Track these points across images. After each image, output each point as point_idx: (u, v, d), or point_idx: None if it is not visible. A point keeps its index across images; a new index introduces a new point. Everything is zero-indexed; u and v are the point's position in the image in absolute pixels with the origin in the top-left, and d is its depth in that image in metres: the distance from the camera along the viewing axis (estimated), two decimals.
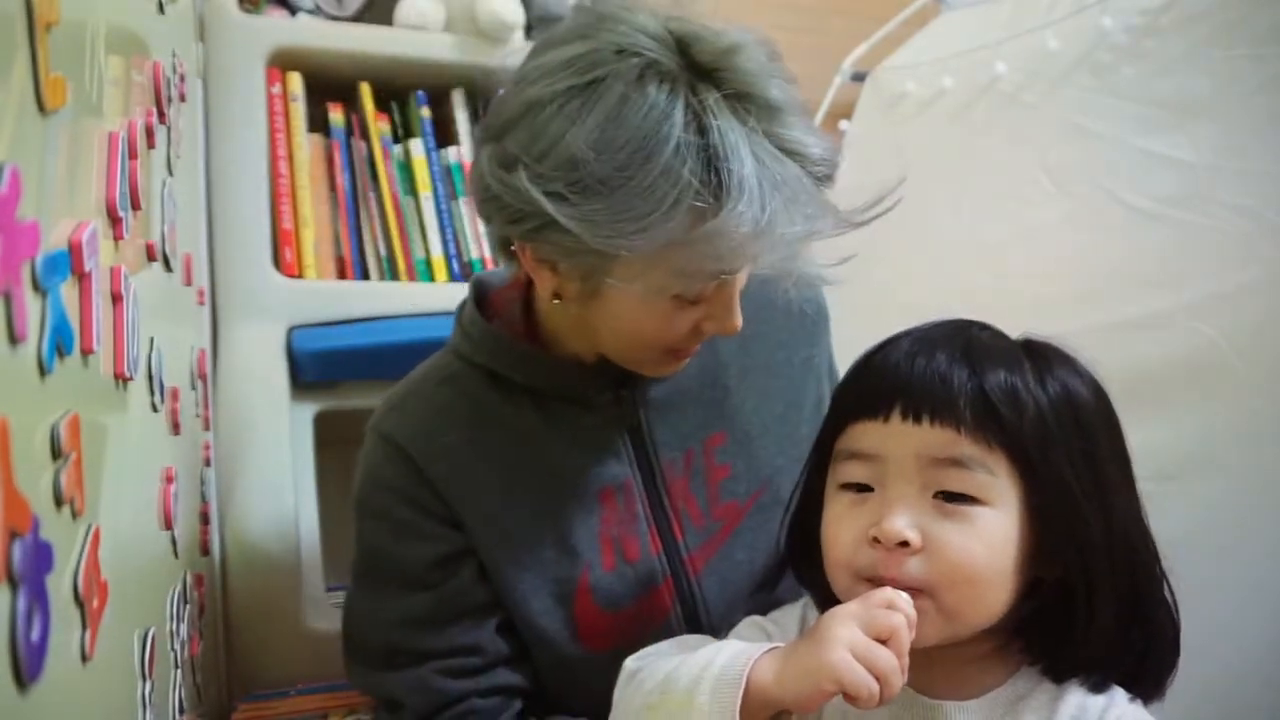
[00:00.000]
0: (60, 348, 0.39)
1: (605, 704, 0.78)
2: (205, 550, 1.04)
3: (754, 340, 0.90)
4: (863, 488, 0.67)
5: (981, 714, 0.66)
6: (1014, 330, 0.72)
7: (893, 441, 0.65)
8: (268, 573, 1.16)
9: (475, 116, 1.43)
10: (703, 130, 0.67)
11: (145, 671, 0.58)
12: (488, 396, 0.86)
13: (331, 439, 1.37)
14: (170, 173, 0.82)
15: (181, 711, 0.73)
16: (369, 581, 0.88)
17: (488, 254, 1.40)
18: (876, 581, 0.64)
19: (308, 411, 1.32)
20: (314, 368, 1.29)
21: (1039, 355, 0.68)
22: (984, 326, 0.71)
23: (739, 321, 0.77)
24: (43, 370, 0.37)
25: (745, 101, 0.69)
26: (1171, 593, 0.69)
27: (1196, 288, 1.18)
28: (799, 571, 0.78)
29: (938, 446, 0.64)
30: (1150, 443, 1.25)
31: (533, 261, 0.77)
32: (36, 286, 0.36)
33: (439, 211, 1.38)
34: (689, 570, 0.86)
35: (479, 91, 1.41)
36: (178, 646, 0.74)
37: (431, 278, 1.38)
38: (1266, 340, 1.10)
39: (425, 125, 1.39)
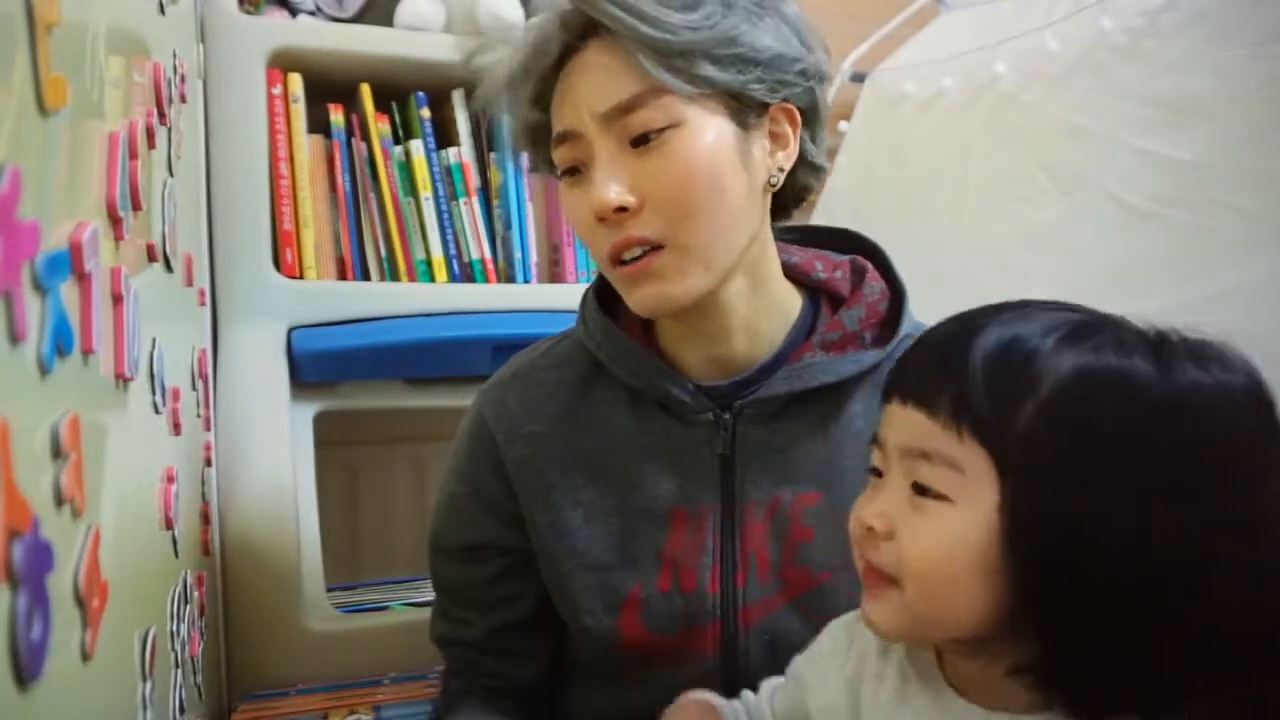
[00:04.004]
0: (61, 348, 0.39)
1: (623, 704, 0.83)
2: (206, 550, 1.04)
3: None
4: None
5: None
6: None
7: (887, 425, 0.62)
8: (268, 573, 1.16)
9: (475, 117, 1.43)
10: None
11: (146, 671, 0.58)
12: (590, 391, 0.85)
13: (331, 439, 1.37)
14: (171, 173, 0.82)
15: (182, 711, 0.73)
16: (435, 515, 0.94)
17: (487, 254, 1.40)
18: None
19: (308, 411, 1.32)
20: (314, 368, 1.29)
21: (1154, 348, 0.55)
22: (1097, 321, 0.59)
23: (602, 194, 0.73)
24: (43, 370, 0.37)
25: None
26: None
27: (1196, 288, 1.18)
28: None
29: (910, 435, 0.59)
30: None
31: None
32: (37, 286, 0.36)
33: (439, 212, 1.38)
34: (740, 620, 0.81)
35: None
36: (178, 646, 0.74)
37: (432, 278, 1.38)
38: (1266, 340, 1.10)
39: (425, 126, 1.39)
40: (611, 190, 0.73)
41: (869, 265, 0.86)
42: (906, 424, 0.59)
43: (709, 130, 0.74)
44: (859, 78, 1.96)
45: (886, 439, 0.61)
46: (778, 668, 0.77)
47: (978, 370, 0.56)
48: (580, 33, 0.76)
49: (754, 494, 0.81)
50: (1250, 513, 0.54)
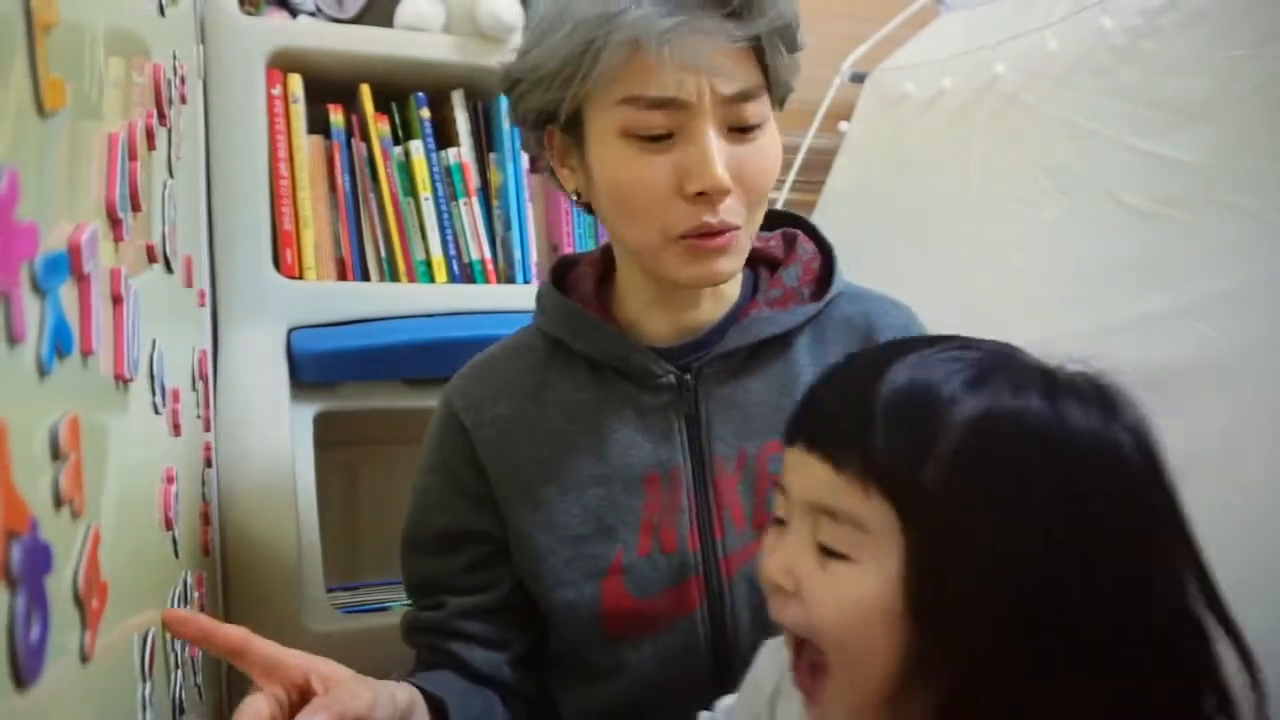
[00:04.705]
0: (59, 349, 0.39)
1: (606, 695, 0.84)
2: (206, 551, 1.04)
3: (829, 359, 0.88)
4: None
5: None
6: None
7: (791, 471, 0.60)
8: (268, 573, 1.16)
9: (475, 118, 1.43)
10: None
11: (145, 672, 0.58)
12: (550, 372, 0.89)
13: (331, 439, 1.37)
14: (171, 174, 0.82)
15: (182, 712, 0.73)
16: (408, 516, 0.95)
17: (487, 254, 1.40)
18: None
19: (308, 412, 1.32)
20: (314, 368, 1.29)
21: (1049, 387, 0.56)
22: (999, 355, 0.58)
23: (718, 171, 0.76)
24: (42, 371, 0.37)
25: None
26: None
27: (1196, 288, 1.18)
28: None
29: (815, 490, 0.57)
30: None
31: (558, 164, 0.86)
32: (35, 287, 0.36)
33: (439, 212, 1.38)
34: (722, 571, 0.84)
35: (479, 93, 1.42)
36: (178, 647, 0.74)
37: (431, 279, 1.38)
38: (1266, 340, 1.10)
39: (425, 126, 1.39)
40: (721, 171, 0.76)
41: (798, 232, 0.94)
42: (811, 477, 0.58)
43: (774, 127, 0.82)
44: (859, 78, 1.96)
45: (790, 487, 0.60)
46: (761, 608, 0.81)
47: (881, 424, 0.55)
48: (702, 4, 0.75)
49: (721, 450, 0.86)
50: (1131, 548, 0.54)
